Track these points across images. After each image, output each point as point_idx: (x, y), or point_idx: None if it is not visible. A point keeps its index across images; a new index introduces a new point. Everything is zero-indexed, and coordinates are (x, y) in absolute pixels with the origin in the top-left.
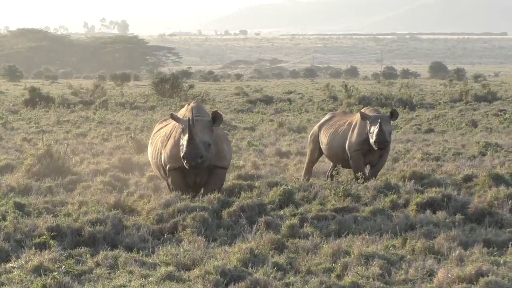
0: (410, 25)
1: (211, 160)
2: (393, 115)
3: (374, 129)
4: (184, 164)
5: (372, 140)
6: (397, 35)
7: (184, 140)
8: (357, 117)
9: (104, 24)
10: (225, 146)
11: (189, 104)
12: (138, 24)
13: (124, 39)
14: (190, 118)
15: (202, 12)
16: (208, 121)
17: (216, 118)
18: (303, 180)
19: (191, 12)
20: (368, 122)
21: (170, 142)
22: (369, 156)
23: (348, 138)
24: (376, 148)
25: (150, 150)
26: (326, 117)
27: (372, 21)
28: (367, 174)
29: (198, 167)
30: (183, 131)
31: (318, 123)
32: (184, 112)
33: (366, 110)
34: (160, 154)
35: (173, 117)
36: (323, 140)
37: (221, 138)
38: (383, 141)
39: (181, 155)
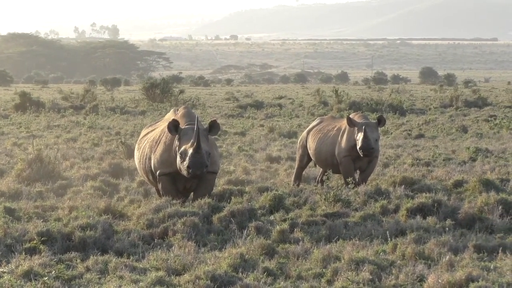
0: (401, 31)
1: None
2: (380, 121)
3: (360, 136)
4: (186, 173)
5: (357, 147)
6: (387, 40)
7: (189, 149)
8: (345, 122)
9: (95, 29)
10: (215, 152)
11: (177, 110)
12: (129, 29)
13: (115, 44)
14: (196, 127)
15: (193, 17)
16: (205, 129)
17: (213, 127)
18: (293, 185)
19: (182, 17)
20: (355, 128)
21: (160, 147)
22: (359, 162)
23: (337, 143)
24: (361, 155)
25: (137, 155)
26: (315, 122)
27: (363, 26)
28: (357, 180)
29: (200, 176)
30: (180, 139)
31: (307, 129)
32: (170, 116)
33: (354, 116)
34: (149, 159)
35: (169, 128)
36: (312, 145)
37: (211, 143)
38: (368, 148)
39: (185, 164)
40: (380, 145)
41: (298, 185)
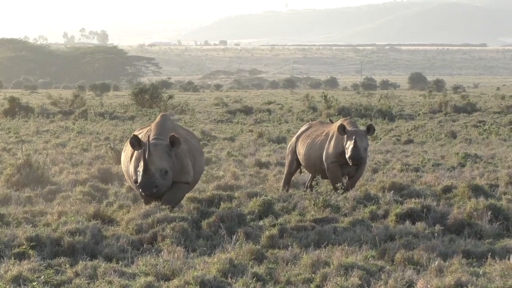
0: (390, 36)
1: (175, 178)
2: (370, 130)
3: (350, 145)
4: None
5: (347, 156)
6: (376, 46)
7: (140, 167)
8: (334, 127)
9: (84, 34)
10: (189, 161)
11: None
12: (118, 34)
13: (104, 49)
14: (147, 145)
15: (182, 22)
16: (167, 145)
17: (174, 142)
18: (282, 191)
19: (171, 22)
20: (345, 136)
21: (135, 154)
22: (346, 167)
23: (325, 149)
24: (350, 164)
25: (122, 158)
26: (303, 127)
27: (352, 32)
28: (345, 185)
29: (154, 196)
30: (141, 154)
31: (296, 134)
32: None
33: (344, 122)
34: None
35: (131, 143)
36: (301, 150)
37: (184, 153)
38: (357, 158)
39: (138, 182)
40: (368, 151)
41: (287, 191)
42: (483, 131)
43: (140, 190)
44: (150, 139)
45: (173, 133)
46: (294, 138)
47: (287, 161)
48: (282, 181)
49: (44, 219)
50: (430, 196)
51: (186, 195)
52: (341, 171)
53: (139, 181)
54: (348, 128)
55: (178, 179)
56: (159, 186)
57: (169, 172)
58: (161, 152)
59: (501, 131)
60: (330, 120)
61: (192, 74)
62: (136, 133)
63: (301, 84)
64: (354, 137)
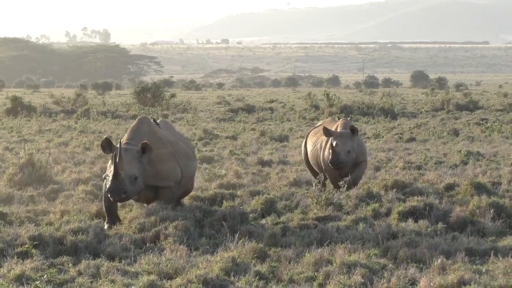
0: (392, 34)
1: (150, 182)
2: (353, 131)
3: (331, 149)
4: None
5: (328, 160)
6: (379, 44)
7: (110, 172)
8: (336, 128)
9: (86, 33)
10: (169, 166)
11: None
12: (120, 33)
13: (106, 48)
14: (118, 150)
15: (184, 21)
16: (137, 151)
17: (145, 149)
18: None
19: (173, 21)
20: (331, 138)
21: (329, 141)
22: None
23: (322, 149)
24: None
25: (309, 148)
26: (317, 124)
27: (354, 30)
28: (343, 186)
29: (123, 201)
30: (112, 160)
31: (310, 130)
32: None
33: (326, 121)
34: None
35: (102, 146)
36: (308, 148)
37: (160, 158)
38: (336, 163)
39: (106, 187)
40: (369, 149)
41: (319, 182)
42: (486, 128)
43: (109, 196)
44: (123, 143)
45: (145, 140)
46: (306, 135)
47: (302, 156)
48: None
49: (47, 218)
50: (432, 194)
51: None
52: (338, 173)
53: (108, 186)
54: (340, 128)
55: (156, 183)
56: (128, 193)
57: (138, 178)
58: (131, 158)
59: (503, 129)
60: (338, 118)
61: (194, 72)
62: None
63: (303, 83)
64: (331, 141)
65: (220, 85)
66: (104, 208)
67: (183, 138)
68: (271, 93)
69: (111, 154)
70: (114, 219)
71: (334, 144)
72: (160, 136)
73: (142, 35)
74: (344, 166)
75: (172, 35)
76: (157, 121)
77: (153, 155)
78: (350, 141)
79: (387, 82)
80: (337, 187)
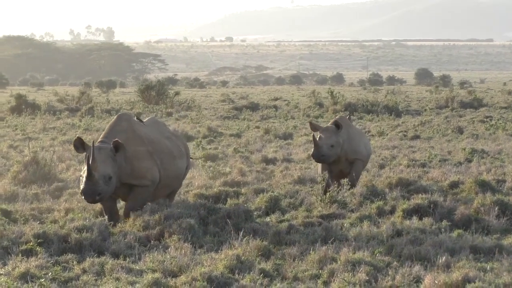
0: (396, 32)
1: (126, 179)
2: (337, 126)
3: (313, 142)
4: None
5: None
6: (383, 41)
7: (83, 172)
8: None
9: (90, 31)
10: (146, 164)
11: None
12: (124, 31)
13: (110, 46)
14: (91, 149)
15: (188, 19)
16: (111, 149)
17: (118, 147)
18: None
19: (177, 19)
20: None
21: None
22: (336, 165)
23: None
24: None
25: None
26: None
27: (358, 27)
28: (331, 184)
29: (96, 202)
30: (85, 159)
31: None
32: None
33: (335, 118)
34: None
35: (75, 145)
36: None
37: (137, 156)
38: (317, 156)
39: (80, 188)
40: (372, 146)
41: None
42: (490, 126)
43: (83, 198)
44: (97, 141)
45: (117, 138)
46: None
47: None
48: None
49: (51, 216)
50: (437, 192)
51: (193, 191)
52: (329, 169)
53: (81, 187)
54: (340, 124)
55: (132, 181)
56: (102, 194)
57: (113, 178)
58: (105, 157)
59: (508, 126)
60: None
61: (198, 70)
62: None
63: (307, 80)
64: (314, 135)
65: (224, 83)
66: (103, 209)
67: (174, 136)
68: (275, 91)
69: (84, 153)
70: (115, 218)
71: (317, 138)
72: (139, 134)
73: (146, 33)
74: (326, 160)
75: (176, 33)
76: (142, 119)
77: (130, 152)
78: (335, 136)
79: (391, 80)
80: (328, 185)
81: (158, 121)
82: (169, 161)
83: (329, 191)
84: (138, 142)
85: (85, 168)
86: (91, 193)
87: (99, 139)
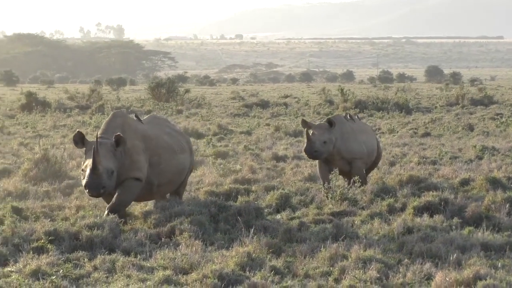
0: (406, 29)
1: (124, 175)
2: (330, 123)
3: (306, 138)
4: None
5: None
6: (393, 39)
7: (86, 167)
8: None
9: (100, 28)
10: (143, 158)
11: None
12: (134, 29)
13: (120, 43)
14: (95, 144)
15: (198, 16)
16: (111, 144)
17: (119, 141)
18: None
19: (187, 16)
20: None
21: None
22: (334, 163)
23: None
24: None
25: None
26: None
27: (368, 25)
28: (329, 183)
29: (100, 196)
30: (86, 154)
31: None
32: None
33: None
34: None
35: (74, 140)
36: None
37: (136, 150)
38: (309, 151)
39: (83, 182)
40: (382, 143)
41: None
42: (501, 123)
43: (87, 191)
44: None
45: (118, 133)
46: None
47: None
48: None
49: (62, 213)
50: (447, 189)
51: (204, 189)
52: (327, 167)
53: (85, 181)
54: (336, 123)
55: (127, 175)
56: (106, 187)
57: (115, 172)
58: (105, 151)
59: None
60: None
61: (208, 68)
62: None
63: (318, 78)
64: (307, 131)
65: (234, 81)
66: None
67: (175, 132)
68: (285, 88)
69: (84, 148)
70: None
71: (310, 133)
72: (134, 129)
73: (156, 30)
74: (318, 156)
75: (186, 30)
76: (139, 117)
77: (129, 146)
78: (328, 132)
79: (402, 77)
80: (326, 181)
81: (158, 117)
82: (169, 156)
83: (325, 189)
84: (133, 136)
85: (87, 162)
86: (95, 186)
87: (99, 136)
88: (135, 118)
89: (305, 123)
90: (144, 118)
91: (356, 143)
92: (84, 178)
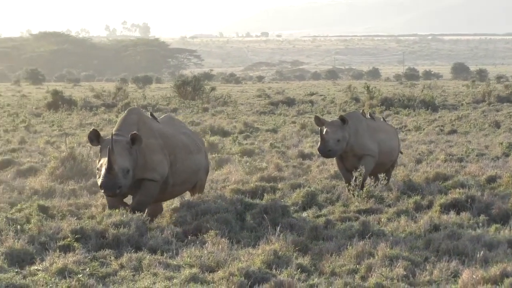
0: (432, 26)
1: (138, 174)
2: (343, 121)
3: (320, 136)
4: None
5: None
6: (419, 36)
7: (102, 166)
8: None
9: (126, 26)
10: (158, 158)
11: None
12: (160, 27)
13: (146, 41)
14: (111, 142)
15: (224, 14)
16: (127, 142)
17: (134, 140)
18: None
19: (212, 14)
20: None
21: None
22: (347, 160)
23: None
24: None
25: None
26: None
27: (394, 22)
28: (350, 179)
29: (116, 196)
30: (101, 152)
31: None
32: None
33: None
34: None
35: (89, 138)
36: None
37: (152, 149)
38: (323, 150)
39: (98, 182)
40: (409, 141)
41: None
42: None
43: (102, 191)
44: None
45: (134, 131)
46: None
47: None
48: None
49: (89, 211)
50: (474, 186)
51: (230, 187)
52: (342, 165)
53: (100, 181)
54: (350, 120)
55: (144, 175)
56: (122, 187)
57: (130, 171)
58: (121, 149)
59: None
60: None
61: (234, 66)
62: None
63: (343, 75)
64: (321, 129)
65: (260, 78)
66: (108, 205)
67: (190, 132)
68: (311, 86)
69: (99, 146)
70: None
71: (324, 132)
72: (150, 127)
73: (181, 28)
74: (332, 155)
75: (211, 28)
76: (155, 115)
77: (143, 145)
78: (341, 130)
79: (428, 75)
80: (347, 179)
81: (174, 118)
82: (185, 156)
83: (351, 188)
84: (149, 134)
85: (102, 161)
86: (111, 186)
87: (114, 133)
88: (150, 117)
89: (318, 120)
90: (160, 117)
91: (369, 141)
92: (99, 177)
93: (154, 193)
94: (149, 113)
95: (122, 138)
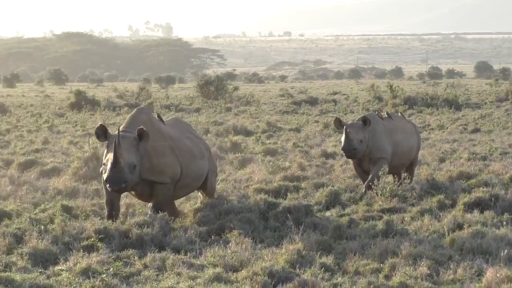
0: (455, 25)
1: (144, 175)
2: (365, 122)
3: (342, 137)
4: (107, 187)
5: (340, 148)
6: (442, 35)
7: (108, 161)
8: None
9: (149, 26)
10: (166, 160)
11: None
12: (183, 27)
13: (169, 41)
14: (117, 137)
15: (246, 14)
16: (134, 138)
17: (142, 135)
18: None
19: (235, 14)
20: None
21: None
22: (364, 163)
23: None
24: (346, 157)
25: None
26: None
27: (417, 21)
28: (368, 181)
29: (122, 191)
30: (108, 147)
31: None
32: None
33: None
34: None
35: (96, 133)
36: None
37: (158, 151)
38: (348, 149)
39: (104, 177)
40: (432, 140)
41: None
42: None
43: (108, 186)
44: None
45: (141, 127)
46: None
47: None
48: None
49: None
50: (498, 185)
51: (253, 186)
52: (359, 168)
53: (106, 175)
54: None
55: (151, 178)
56: (128, 181)
57: (137, 167)
58: (128, 145)
59: None
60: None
61: (257, 65)
62: None
63: (366, 74)
64: (345, 128)
65: (283, 78)
66: (105, 201)
67: (195, 137)
68: (334, 85)
69: (106, 142)
70: (114, 213)
71: (348, 131)
72: (158, 128)
73: (204, 28)
74: (356, 154)
75: (234, 28)
76: (162, 118)
77: (149, 148)
78: (362, 131)
79: (451, 73)
80: (363, 180)
81: (181, 121)
82: (189, 160)
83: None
84: (157, 136)
85: (108, 156)
86: (117, 181)
87: (121, 130)
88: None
89: (339, 122)
90: (167, 120)
91: (386, 143)
92: (105, 172)
93: (168, 193)
94: (156, 114)
95: (130, 134)
